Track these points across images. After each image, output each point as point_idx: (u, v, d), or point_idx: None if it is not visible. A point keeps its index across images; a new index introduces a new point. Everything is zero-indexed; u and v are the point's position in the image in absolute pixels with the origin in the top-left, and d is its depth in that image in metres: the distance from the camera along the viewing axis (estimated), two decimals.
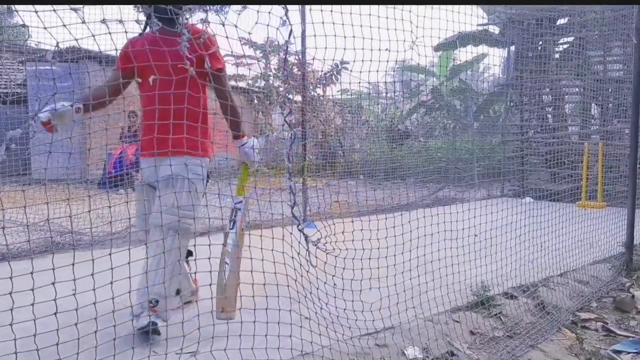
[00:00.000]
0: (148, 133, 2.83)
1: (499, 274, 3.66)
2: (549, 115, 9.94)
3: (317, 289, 2.65)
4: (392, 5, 2.91)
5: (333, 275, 2.62)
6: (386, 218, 3.02)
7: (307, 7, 2.61)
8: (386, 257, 2.92)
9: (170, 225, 2.73)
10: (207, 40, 2.74)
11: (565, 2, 7.69)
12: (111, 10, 2.18)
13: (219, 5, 2.44)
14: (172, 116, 2.65)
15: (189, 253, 3.10)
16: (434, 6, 3.27)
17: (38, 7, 2.02)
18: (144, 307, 2.72)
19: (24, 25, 2.45)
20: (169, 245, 2.68)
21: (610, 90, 9.10)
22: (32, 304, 1.74)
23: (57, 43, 2.23)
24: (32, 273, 1.76)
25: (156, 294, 2.70)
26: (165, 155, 2.72)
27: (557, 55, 9.85)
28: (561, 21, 9.43)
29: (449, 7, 3.62)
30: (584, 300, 3.86)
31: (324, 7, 2.63)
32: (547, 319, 3.41)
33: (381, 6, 2.88)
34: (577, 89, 9.84)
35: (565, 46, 9.77)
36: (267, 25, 2.45)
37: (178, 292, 3.01)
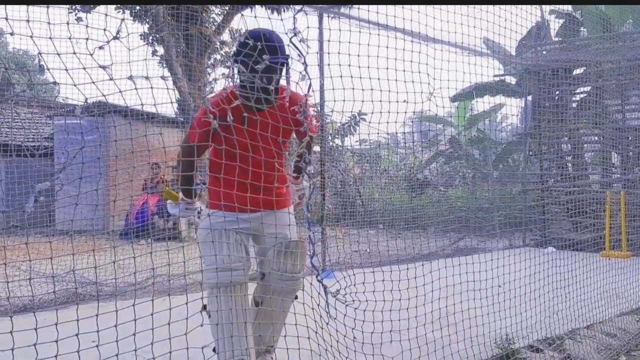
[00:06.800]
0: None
1: (524, 326, 3.58)
2: (569, 164, 9.89)
3: (337, 342, 2.62)
4: (409, 60, 2.98)
5: (353, 328, 2.59)
6: (407, 268, 3.00)
7: (326, 61, 2.69)
8: (407, 308, 2.89)
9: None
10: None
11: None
12: (137, 66, 2.27)
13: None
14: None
15: None
16: (450, 60, 3.34)
17: (68, 64, 2.12)
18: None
19: (55, 83, 2.55)
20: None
21: (630, 138, 9.06)
22: (56, 356, 1.76)
23: (86, 99, 2.33)
24: (56, 324, 1.78)
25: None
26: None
27: (574, 105, 9.88)
28: (577, 71, 9.51)
29: (465, 59, 3.70)
30: (612, 354, 3.74)
31: (342, 61, 2.71)
32: None
33: (399, 59, 2.95)
34: (596, 138, 9.81)
35: (582, 95, 9.82)
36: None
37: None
